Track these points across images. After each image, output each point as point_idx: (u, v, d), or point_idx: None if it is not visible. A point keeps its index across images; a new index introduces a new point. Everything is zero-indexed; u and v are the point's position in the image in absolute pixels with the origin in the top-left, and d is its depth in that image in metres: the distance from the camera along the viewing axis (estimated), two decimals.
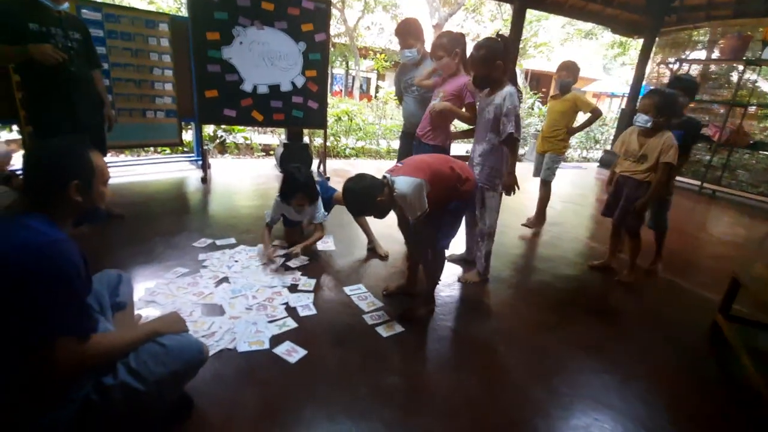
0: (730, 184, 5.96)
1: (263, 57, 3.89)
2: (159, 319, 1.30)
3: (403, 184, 1.72)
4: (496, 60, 2.10)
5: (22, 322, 0.93)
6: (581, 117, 3.58)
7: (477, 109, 2.37)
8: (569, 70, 3.33)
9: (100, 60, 2.79)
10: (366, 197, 1.73)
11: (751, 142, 5.73)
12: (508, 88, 2.14)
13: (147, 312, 1.81)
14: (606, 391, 1.62)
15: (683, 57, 6.66)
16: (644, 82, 7.06)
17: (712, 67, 6.45)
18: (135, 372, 1.09)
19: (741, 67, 5.78)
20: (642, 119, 2.34)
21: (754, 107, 5.93)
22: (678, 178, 6.37)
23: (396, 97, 3.48)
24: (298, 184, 2.35)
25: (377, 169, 5.74)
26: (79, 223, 1.18)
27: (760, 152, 5.71)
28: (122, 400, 1.07)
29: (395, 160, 3.15)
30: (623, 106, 7.95)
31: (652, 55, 6.97)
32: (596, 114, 3.45)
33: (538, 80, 18.44)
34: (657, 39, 6.84)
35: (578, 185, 6.05)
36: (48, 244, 0.96)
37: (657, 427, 1.46)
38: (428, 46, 2.73)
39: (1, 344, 0.95)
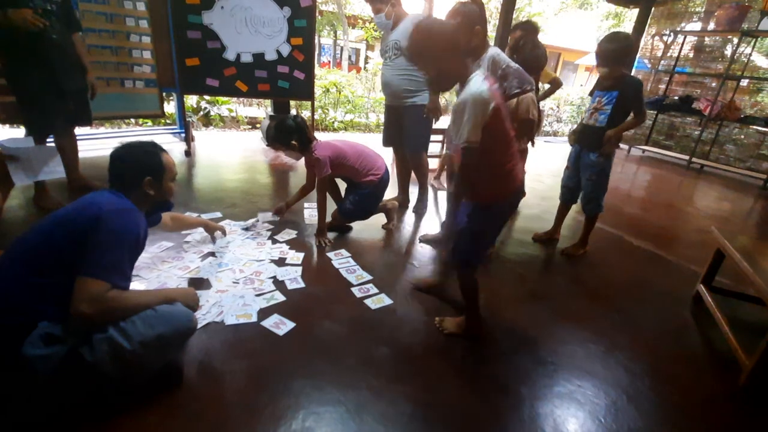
0: (718, 159, 6.02)
1: (246, 23, 3.71)
2: (175, 289, 1.49)
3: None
4: (475, 26, 1.96)
5: (82, 254, 1.11)
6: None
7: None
8: (526, 32, 2.86)
9: (80, 25, 2.63)
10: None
11: (742, 116, 5.74)
12: (492, 50, 2.02)
13: (132, 286, 1.76)
14: (590, 360, 1.65)
15: (678, 29, 6.55)
16: (638, 55, 6.95)
17: (706, 40, 6.36)
18: (122, 329, 1.13)
19: (735, 40, 5.71)
20: None
21: (747, 81, 5.91)
22: (667, 152, 6.45)
23: None
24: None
25: (366, 143, 5.63)
26: (150, 213, 1.49)
27: (750, 127, 5.73)
28: (107, 354, 1.10)
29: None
30: None
31: (646, 27, 6.84)
32: (556, 85, 3.17)
33: None
34: (653, 9, 6.70)
35: None
36: (126, 209, 1.24)
37: (638, 393, 1.50)
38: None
39: (57, 264, 1.12)
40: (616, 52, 2.14)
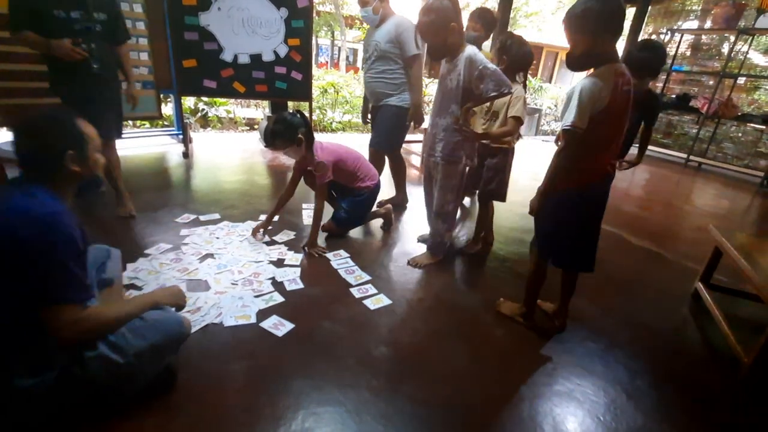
0: (716, 157, 6.02)
1: (243, 24, 3.71)
2: (160, 291, 1.34)
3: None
4: (450, 22, 1.81)
5: (23, 288, 0.97)
6: None
7: (439, 76, 2.13)
8: (482, 20, 2.66)
9: (128, 33, 2.52)
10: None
11: (739, 114, 5.75)
12: (469, 49, 1.89)
13: (131, 290, 1.77)
14: (589, 358, 1.65)
15: (675, 27, 6.57)
16: None
17: (703, 38, 6.38)
18: (113, 345, 1.09)
19: (732, 38, 5.72)
20: None
21: (744, 79, 5.92)
22: (665, 150, 6.46)
23: None
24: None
25: (364, 144, 5.63)
26: (79, 193, 1.23)
27: (748, 125, 5.74)
28: (101, 371, 1.08)
29: None
30: None
31: (643, 25, 6.85)
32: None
33: None
34: (649, 8, 6.71)
35: None
36: (50, 215, 0.99)
37: (638, 391, 1.51)
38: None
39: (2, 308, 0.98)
40: (649, 64, 1.98)
